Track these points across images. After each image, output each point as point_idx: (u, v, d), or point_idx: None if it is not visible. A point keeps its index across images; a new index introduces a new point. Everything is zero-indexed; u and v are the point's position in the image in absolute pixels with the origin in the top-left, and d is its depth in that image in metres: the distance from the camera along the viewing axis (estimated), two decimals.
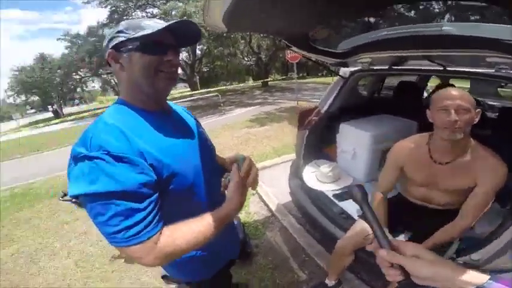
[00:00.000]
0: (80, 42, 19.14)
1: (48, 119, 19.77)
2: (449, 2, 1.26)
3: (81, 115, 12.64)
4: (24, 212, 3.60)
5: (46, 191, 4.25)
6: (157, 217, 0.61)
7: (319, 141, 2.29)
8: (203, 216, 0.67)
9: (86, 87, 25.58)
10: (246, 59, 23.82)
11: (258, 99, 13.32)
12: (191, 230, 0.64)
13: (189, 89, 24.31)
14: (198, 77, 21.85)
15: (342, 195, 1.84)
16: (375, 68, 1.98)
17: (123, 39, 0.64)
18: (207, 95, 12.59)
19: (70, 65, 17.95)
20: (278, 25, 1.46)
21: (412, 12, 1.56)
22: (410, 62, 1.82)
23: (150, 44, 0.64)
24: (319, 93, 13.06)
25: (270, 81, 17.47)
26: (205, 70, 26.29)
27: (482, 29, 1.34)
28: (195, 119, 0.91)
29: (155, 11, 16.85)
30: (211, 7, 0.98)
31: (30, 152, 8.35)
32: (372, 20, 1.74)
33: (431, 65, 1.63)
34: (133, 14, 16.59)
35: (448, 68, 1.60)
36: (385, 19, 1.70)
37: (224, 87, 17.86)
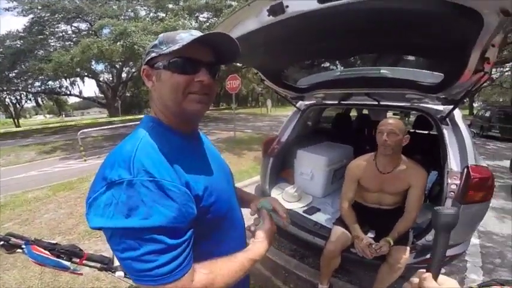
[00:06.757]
0: None
1: None
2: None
3: None
4: None
5: None
6: (191, 253, 0.55)
7: (279, 166, 2.52)
8: (236, 256, 0.63)
9: None
10: None
11: None
12: (228, 269, 0.59)
13: (106, 115, 21.43)
14: (120, 102, 19.76)
15: (310, 211, 2.07)
16: (327, 102, 2.43)
17: (155, 55, 0.58)
18: (131, 123, 11.43)
19: None
20: (261, 61, 1.69)
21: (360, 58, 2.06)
22: (354, 98, 2.30)
23: (179, 62, 0.57)
24: (251, 123, 14.02)
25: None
26: (128, 95, 24.18)
27: (402, 72, 1.82)
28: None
29: (83, 25, 14.75)
30: None
31: None
32: (328, 62, 2.19)
33: (367, 100, 2.16)
34: (56, 26, 14.05)
35: (381, 103, 2.14)
36: (339, 61, 2.16)
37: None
